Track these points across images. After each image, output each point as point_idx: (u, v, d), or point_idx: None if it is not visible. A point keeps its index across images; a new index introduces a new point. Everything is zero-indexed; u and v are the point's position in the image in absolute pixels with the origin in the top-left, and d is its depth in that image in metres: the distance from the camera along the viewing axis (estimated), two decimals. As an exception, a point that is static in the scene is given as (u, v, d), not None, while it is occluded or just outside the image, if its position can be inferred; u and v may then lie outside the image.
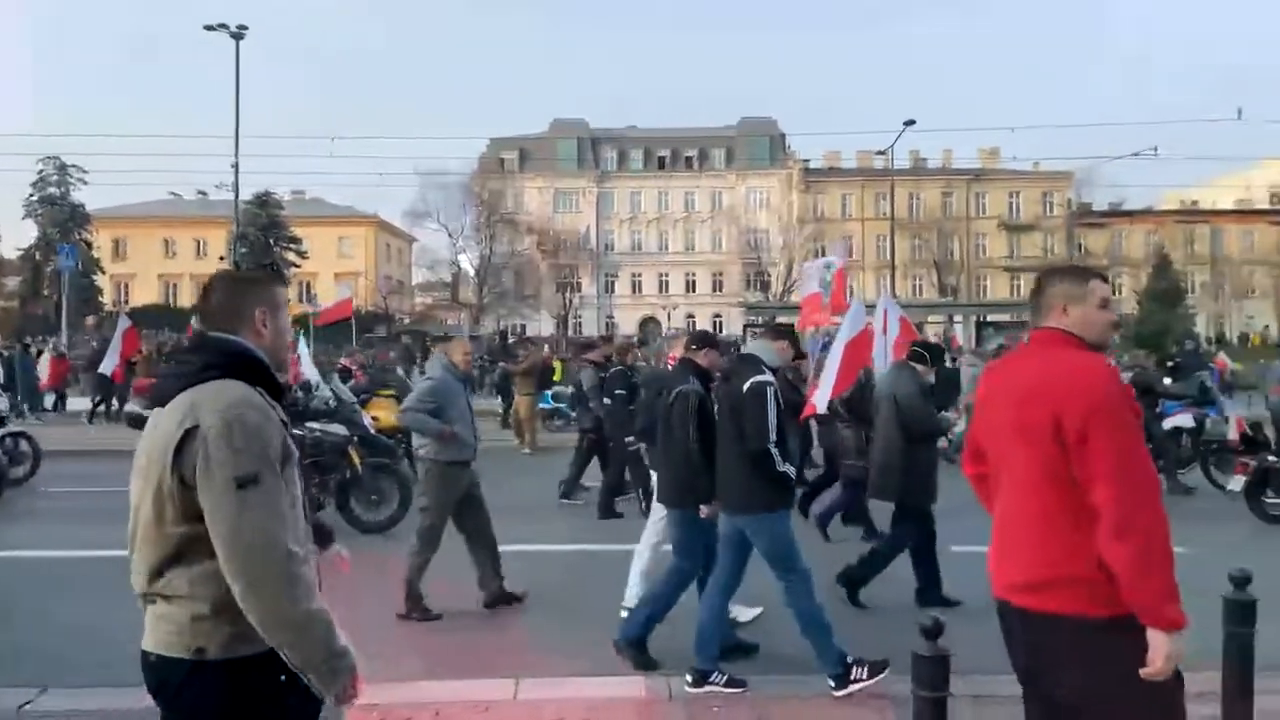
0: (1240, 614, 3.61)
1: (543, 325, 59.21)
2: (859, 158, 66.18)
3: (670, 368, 6.54)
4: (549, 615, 6.42)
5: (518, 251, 60.75)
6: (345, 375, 13.18)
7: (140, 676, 2.21)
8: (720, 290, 69.68)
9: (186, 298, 63.79)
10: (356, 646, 2.17)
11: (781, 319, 33.79)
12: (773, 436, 4.74)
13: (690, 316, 67.95)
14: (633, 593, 5.96)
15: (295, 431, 5.74)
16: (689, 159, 71.98)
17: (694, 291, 71.27)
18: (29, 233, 59.50)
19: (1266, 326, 60.86)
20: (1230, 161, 60.37)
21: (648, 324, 64.64)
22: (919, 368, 6.84)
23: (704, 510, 5.18)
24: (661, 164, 72.13)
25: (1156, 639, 2.29)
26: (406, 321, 62.78)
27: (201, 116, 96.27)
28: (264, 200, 57.83)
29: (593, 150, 72.06)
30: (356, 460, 8.95)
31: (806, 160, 69.22)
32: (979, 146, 65.77)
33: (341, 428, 9.19)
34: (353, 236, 69.94)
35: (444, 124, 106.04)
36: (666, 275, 72.17)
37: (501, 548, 6.61)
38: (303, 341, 12.01)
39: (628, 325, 63.88)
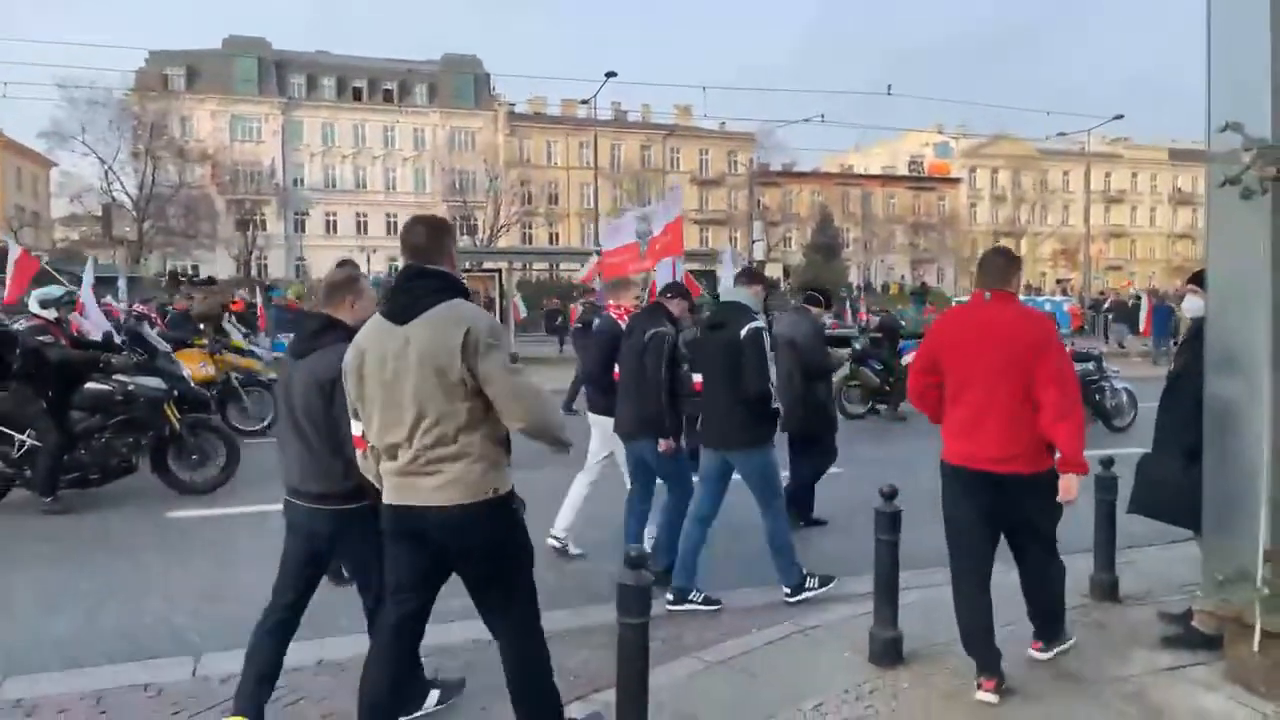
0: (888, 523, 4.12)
1: (218, 265, 48.87)
2: (564, 105, 61.59)
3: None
4: None
5: (188, 183, 49.60)
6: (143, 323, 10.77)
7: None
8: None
9: None
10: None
11: (487, 264, 29.14)
12: (771, 378, 4.95)
13: (393, 259, 60.09)
14: (562, 523, 6.02)
15: (103, 386, 7.40)
16: (388, 92, 63.14)
17: (395, 233, 63.21)
18: None
19: (903, 276, 65.30)
20: (881, 131, 63.19)
21: (345, 266, 55.90)
22: (814, 310, 7.01)
23: (662, 444, 5.30)
24: (357, 95, 62.57)
25: (1073, 480, 3.63)
26: (46, 260, 49.51)
27: None
28: None
29: (276, 74, 60.80)
30: (174, 417, 7.75)
31: (512, 104, 63.32)
32: (674, 103, 63.97)
33: (157, 380, 7.75)
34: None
35: (92, 30, 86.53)
36: (365, 215, 63.31)
37: None
38: (87, 286, 10.74)
39: (322, 267, 54.80)
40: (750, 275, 5.59)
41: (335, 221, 63.12)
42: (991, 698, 3.69)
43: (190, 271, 41.32)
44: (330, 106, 62.26)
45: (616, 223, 13.26)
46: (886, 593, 4.14)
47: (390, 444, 2.88)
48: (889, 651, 4.09)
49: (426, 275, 2.91)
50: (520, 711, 3.07)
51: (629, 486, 5.85)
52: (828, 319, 7.01)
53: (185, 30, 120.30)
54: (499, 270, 28.11)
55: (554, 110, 64.10)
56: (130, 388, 7.53)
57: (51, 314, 7.64)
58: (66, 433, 7.24)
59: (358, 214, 63.26)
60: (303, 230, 62.10)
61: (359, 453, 3.07)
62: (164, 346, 8.78)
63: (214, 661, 4.25)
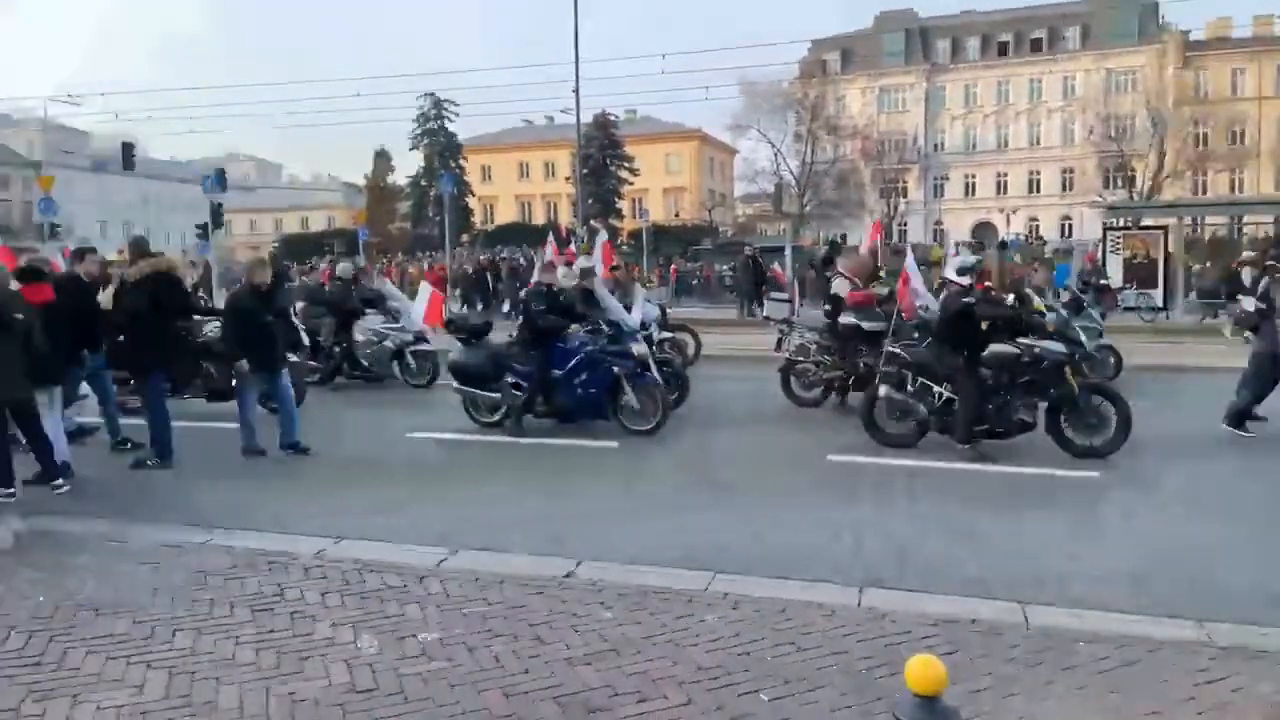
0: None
1: (865, 234, 51.73)
2: (1256, 24, 50.27)
3: None
4: None
5: (840, 158, 53.32)
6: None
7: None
8: (1070, 189, 57.37)
9: (539, 216, 64.34)
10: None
11: (1147, 220, 25.12)
12: None
13: (1033, 220, 56.74)
14: None
15: (1010, 348, 7.60)
16: (1035, 41, 59.05)
17: (1037, 192, 59.59)
18: (415, 162, 62.36)
19: None
20: None
21: (981, 230, 54.52)
22: None
23: None
24: (1003, 50, 59.85)
25: None
26: (730, 234, 58.43)
27: (549, 46, 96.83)
28: (601, 122, 56.11)
29: (922, 42, 61.41)
30: (1073, 380, 7.67)
31: (1187, 31, 53.85)
32: None
33: (1059, 344, 7.82)
34: (679, 152, 66.43)
35: (767, 31, 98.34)
36: (1005, 175, 60.79)
37: None
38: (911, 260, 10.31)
39: (959, 231, 54.31)
40: None
41: (974, 184, 61.84)
42: None
43: (840, 239, 44.64)
44: (973, 67, 60.83)
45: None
46: None
47: None
48: None
49: None
50: None
51: None
52: None
53: (844, 12, 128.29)
54: (1164, 227, 24.20)
55: (1242, 32, 52.79)
56: (1036, 350, 7.65)
57: (968, 280, 7.87)
58: (980, 388, 7.62)
59: (998, 174, 60.96)
60: (941, 194, 62.25)
61: None
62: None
63: (876, 595, 4.53)
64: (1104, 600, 4.47)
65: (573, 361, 8.71)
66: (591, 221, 36.52)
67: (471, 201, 62.43)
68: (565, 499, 6.63)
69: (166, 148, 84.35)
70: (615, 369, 8.61)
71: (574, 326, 9.00)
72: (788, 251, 24.55)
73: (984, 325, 7.65)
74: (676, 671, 3.68)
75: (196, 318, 9.68)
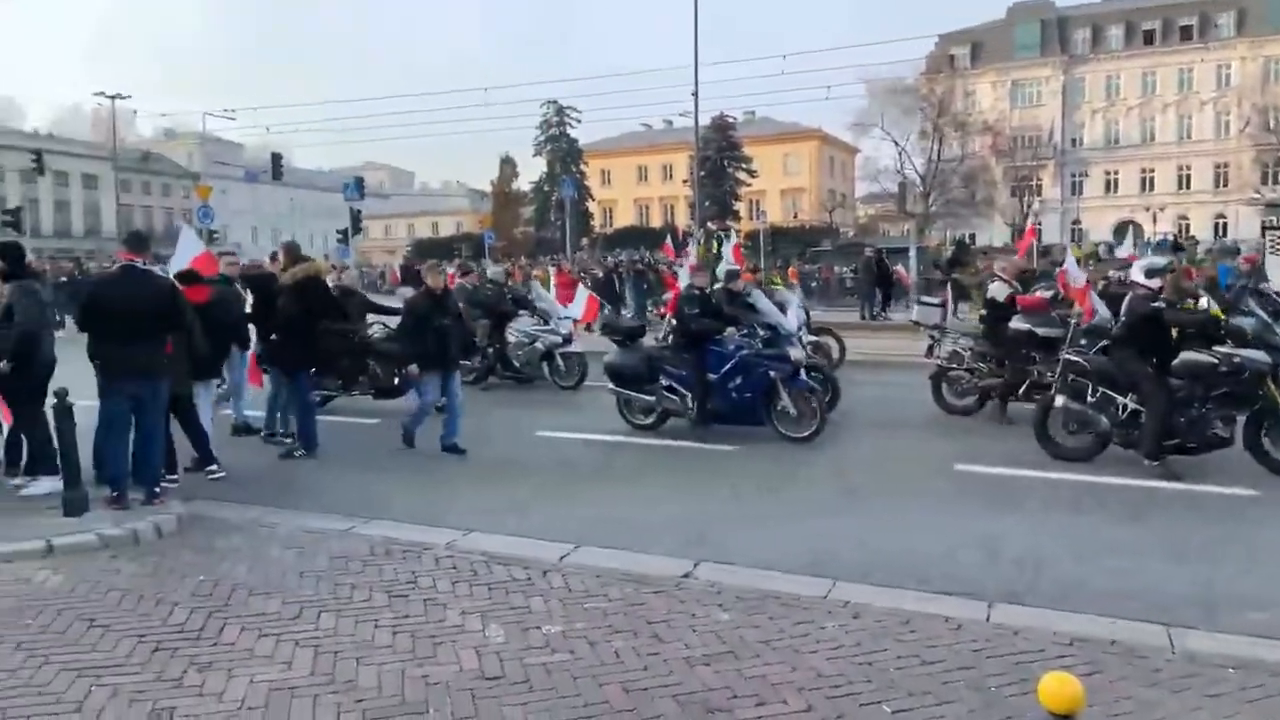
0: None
1: (994, 234, 49.62)
2: None
3: None
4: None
5: (968, 155, 51.32)
6: None
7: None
8: (1224, 185, 53.33)
9: (656, 219, 64.83)
10: None
11: None
12: None
13: (1183, 219, 53.05)
14: None
15: (1206, 356, 7.07)
16: (1185, 29, 55.21)
17: (1187, 188, 55.62)
18: (538, 168, 63.97)
19: None
20: None
21: (1125, 229, 51.38)
22: None
23: None
24: (1148, 39, 56.25)
25: None
26: (850, 235, 57.18)
27: (667, 50, 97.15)
28: (719, 124, 56.01)
29: (1059, 32, 58.37)
30: (1276, 392, 7.04)
31: (1361, 10, 49.32)
32: None
33: (1262, 353, 7.20)
34: (797, 152, 65.56)
35: (892, 27, 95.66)
36: (1151, 171, 57.07)
37: None
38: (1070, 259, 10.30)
39: (1099, 231, 51.31)
40: None
41: (1116, 180, 58.38)
42: None
43: (968, 239, 43.01)
44: (1115, 57, 57.42)
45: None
46: None
47: None
48: None
49: None
50: None
51: None
52: None
53: (973, 4, 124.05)
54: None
55: None
56: (1236, 360, 7.05)
57: (1156, 283, 7.32)
58: (1169, 399, 7.06)
59: (1142, 170, 57.33)
60: (1079, 192, 59.03)
61: None
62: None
63: (1006, 612, 4.35)
64: (1261, 628, 4.16)
65: (728, 365, 8.60)
66: (709, 224, 36.49)
67: (591, 205, 63.49)
68: (691, 500, 6.66)
69: (311, 158, 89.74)
70: (771, 373, 8.44)
71: (729, 330, 8.86)
72: (912, 253, 23.82)
73: (1174, 332, 7.15)
74: (796, 678, 3.65)
75: (371, 317, 10.30)
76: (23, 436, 6.65)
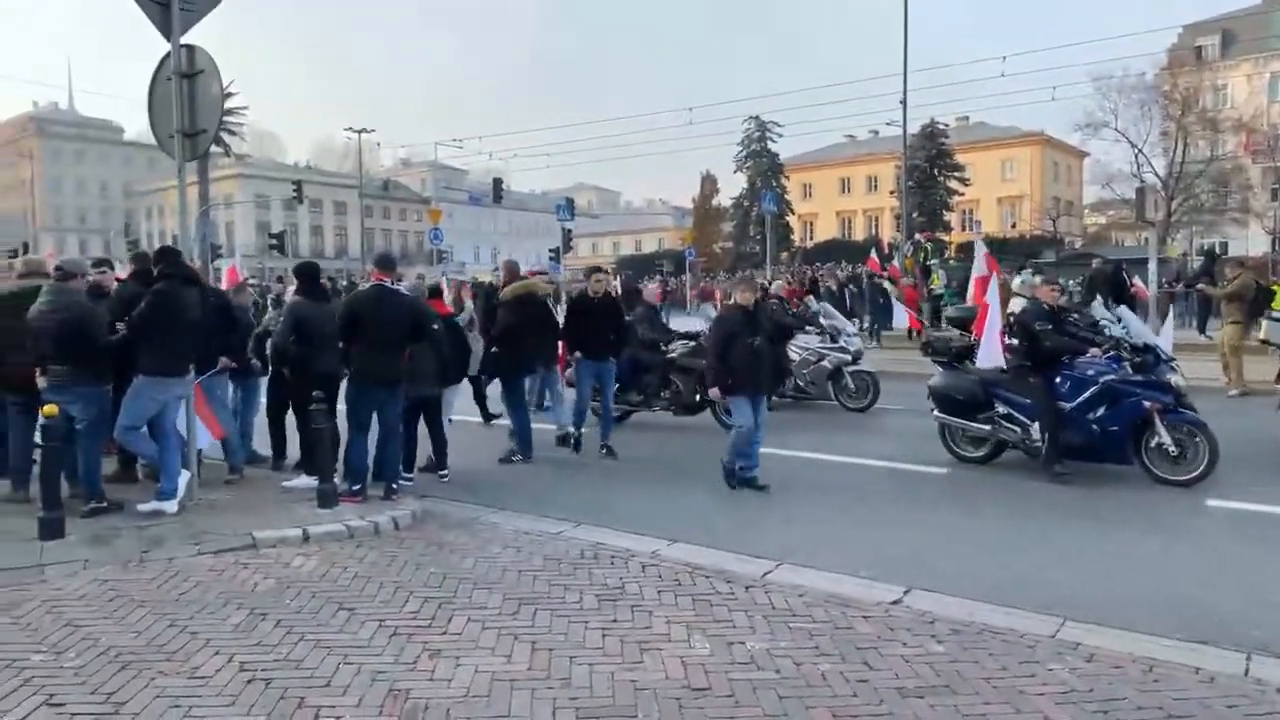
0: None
1: (1249, 243, 44.05)
2: None
3: None
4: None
5: (1219, 156, 45.98)
6: None
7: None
8: None
9: (860, 231, 63.17)
10: None
11: None
12: None
13: None
14: None
15: None
16: None
17: None
18: (739, 184, 64.30)
19: None
20: None
21: None
22: None
23: None
24: None
25: None
26: (1078, 245, 52.82)
27: (872, 59, 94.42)
28: (930, 131, 53.81)
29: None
30: None
31: None
32: None
33: None
34: (1016, 158, 61.46)
35: (1126, 21, 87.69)
36: None
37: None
38: None
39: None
40: None
41: None
42: None
43: (1218, 249, 38.46)
44: None
45: None
46: None
47: None
48: None
49: None
50: None
51: None
52: None
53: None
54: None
55: None
56: None
57: None
58: None
59: None
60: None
61: None
62: None
63: (1266, 666, 3.85)
64: None
65: (1088, 392, 7.45)
66: (916, 235, 34.99)
67: (791, 219, 62.86)
68: (909, 523, 6.42)
69: (527, 181, 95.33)
70: (1146, 403, 7.26)
71: (1093, 351, 7.63)
72: (1152, 265, 21.61)
73: None
74: (1020, 720, 3.40)
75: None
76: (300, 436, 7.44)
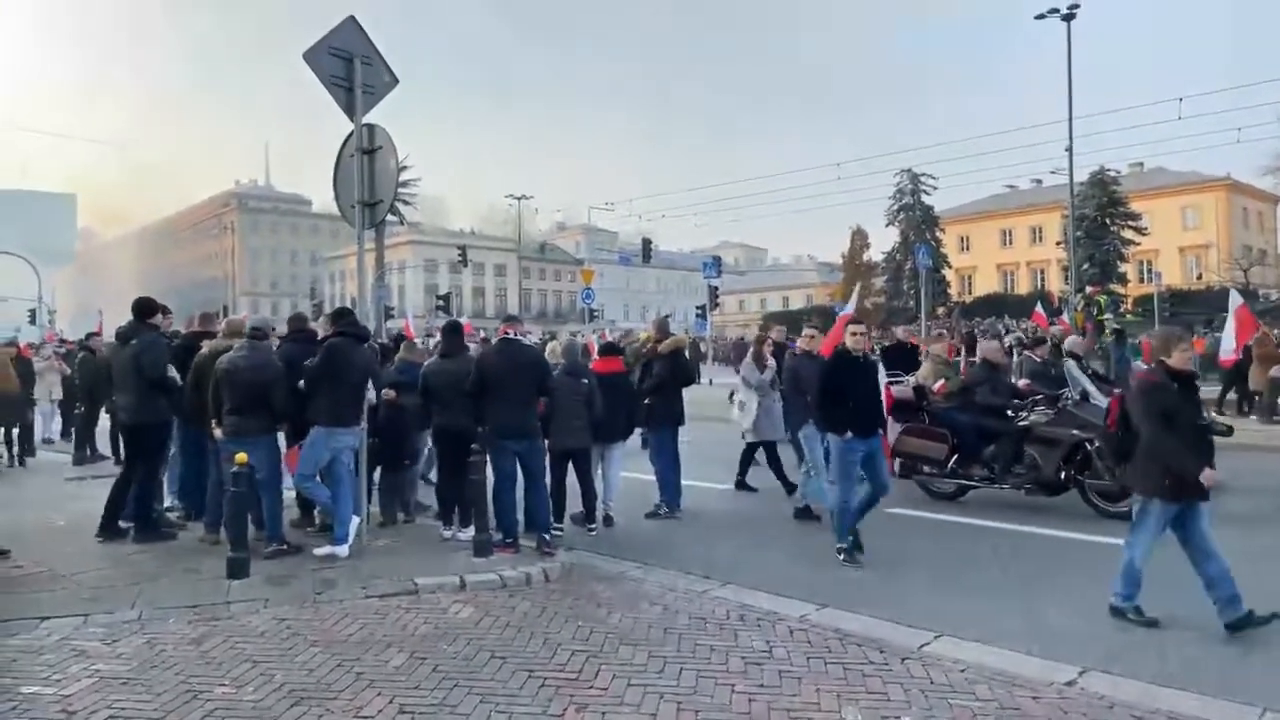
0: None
1: None
2: None
3: None
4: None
5: None
6: None
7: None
8: None
9: (1023, 285, 60.23)
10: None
11: None
12: None
13: None
14: None
15: None
16: None
17: None
18: (890, 238, 62.95)
19: None
20: None
21: None
22: None
23: None
24: None
25: None
26: (1274, 296, 48.07)
27: (1033, 107, 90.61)
28: (1099, 179, 50.80)
29: None
30: None
31: None
32: None
33: None
34: (1199, 204, 57.06)
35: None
36: None
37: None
38: None
39: None
40: None
41: None
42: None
43: None
44: None
45: None
46: None
47: None
48: None
49: None
50: None
51: None
52: None
53: None
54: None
55: None
56: None
57: None
58: None
59: None
60: None
61: None
62: None
63: None
64: None
65: None
66: (1087, 288, 32.93)
67: (948, 273, 60.70)
68: (1073, 596, 5.95)
69: (674, 239, 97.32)
70: None
71: None
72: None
73: None
74: (1219, 825, 3.03)
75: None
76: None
